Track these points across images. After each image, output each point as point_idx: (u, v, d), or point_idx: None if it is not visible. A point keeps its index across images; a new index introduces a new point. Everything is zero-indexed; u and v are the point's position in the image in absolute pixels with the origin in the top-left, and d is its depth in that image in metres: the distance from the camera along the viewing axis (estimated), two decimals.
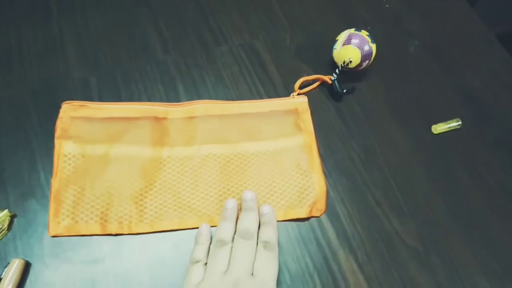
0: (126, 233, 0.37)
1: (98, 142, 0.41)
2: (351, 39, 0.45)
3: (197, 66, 0.48)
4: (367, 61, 0.46)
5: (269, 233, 0.35)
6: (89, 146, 0.41)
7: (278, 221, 0.39)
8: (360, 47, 0.45)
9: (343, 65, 0.46)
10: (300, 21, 0.53)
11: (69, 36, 0.49)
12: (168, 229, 0.38)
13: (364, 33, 0.45)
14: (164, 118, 0.43)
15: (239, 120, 0.44)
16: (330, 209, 0.40)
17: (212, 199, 0.39)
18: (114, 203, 0.38)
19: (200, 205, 0.39)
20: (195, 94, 0.46)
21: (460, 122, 0.46)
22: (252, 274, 0.33)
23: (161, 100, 0.45)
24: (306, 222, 0.40)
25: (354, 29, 0.46)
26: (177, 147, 0.42)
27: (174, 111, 0.44)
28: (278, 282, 0.36)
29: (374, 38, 0.46)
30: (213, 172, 0.41)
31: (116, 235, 0.38)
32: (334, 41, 0.47)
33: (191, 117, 0.43)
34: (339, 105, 0.47)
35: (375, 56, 0.46)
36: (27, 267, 0.36)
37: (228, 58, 0.49)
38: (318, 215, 0.40)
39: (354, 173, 0.43)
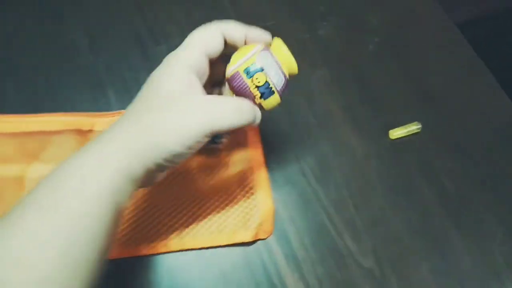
0: None
1: (11, 162, 0.35)
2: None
3: (132, 69, 0.43)
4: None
5: None
6: (1, 167, 0.35)
7: (220, 246, 0.35)
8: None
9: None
10: (251, 16, 0.48)
11: None
12: None
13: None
14: (90, 131, 0.38)
15: None
16: (278, 229, 0.37)
17: (146, 224, 0.35)
18: None
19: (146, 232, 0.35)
20: (129, 101, 0.41)
21: (420, 126, 0.42)
22: None
23: (88, 110, 0.40)
24: (252, 246, 0.36)
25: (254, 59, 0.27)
26: None
27: (102, 122, 0.38)
28: None
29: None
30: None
31: None
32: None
33: None
34: (290, 110, 0.42)
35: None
36: None
37: None
38: (265, 237, 0.36)
39: (306, 188, 0.39)
